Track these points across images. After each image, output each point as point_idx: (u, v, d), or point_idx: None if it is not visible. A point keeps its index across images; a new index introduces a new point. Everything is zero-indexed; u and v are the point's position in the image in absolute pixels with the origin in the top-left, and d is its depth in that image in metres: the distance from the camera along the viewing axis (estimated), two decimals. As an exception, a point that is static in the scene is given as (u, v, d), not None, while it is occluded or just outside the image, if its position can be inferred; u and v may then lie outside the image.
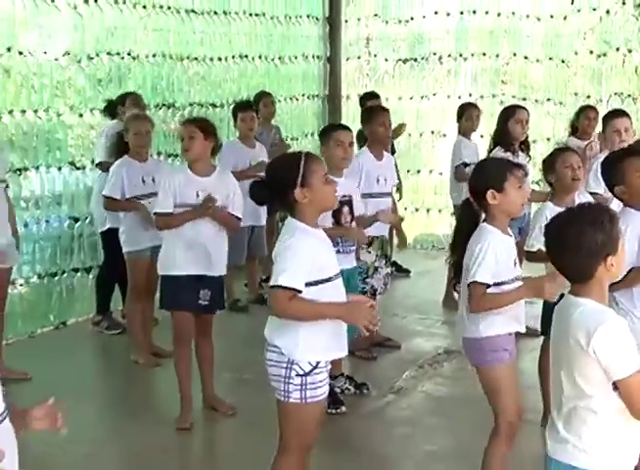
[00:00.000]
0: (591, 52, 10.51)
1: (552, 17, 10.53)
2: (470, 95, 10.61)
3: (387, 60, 11.30)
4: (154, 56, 8.65)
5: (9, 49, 7.35)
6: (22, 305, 7.59)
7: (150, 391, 6.61)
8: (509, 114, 7.35)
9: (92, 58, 8.01)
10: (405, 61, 11.17)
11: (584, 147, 7.19)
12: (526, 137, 7.40)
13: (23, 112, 7.49)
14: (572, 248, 3.03)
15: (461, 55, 10.95)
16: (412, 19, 11.04)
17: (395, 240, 9.76)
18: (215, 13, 9.37)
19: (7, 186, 6.27)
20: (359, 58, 11.53)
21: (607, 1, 10.30)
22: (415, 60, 11.13)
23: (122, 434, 5.63)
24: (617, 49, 10.33)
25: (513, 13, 10.63)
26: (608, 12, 10.30)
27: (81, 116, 7.90)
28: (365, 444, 5.51)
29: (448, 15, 10.86)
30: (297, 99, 10.68)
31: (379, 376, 6.53)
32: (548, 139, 10.31)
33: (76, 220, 7.97)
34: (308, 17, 10.74)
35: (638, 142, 6.51)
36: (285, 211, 3.94)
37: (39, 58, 7.60)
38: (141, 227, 6.42)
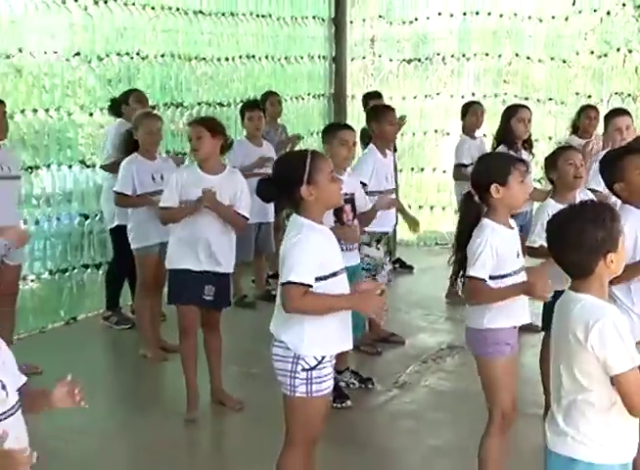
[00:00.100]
0: (592, 52, 10.51)
1: (553, 18, 10.53)
2: (473, 94, 10.60)
3: (391, 60, 11.29)
4: (162, 56, 8.63)
5: (20, 50, 7.35)
6: (34, 300, 7.60)
7: (158, 384, 6.61)
8: (511, 113, 7.35)
9: (102, 58, 8.00)
10: (409, 61, 11.16)
11: (584, 145, 7.17)
12: (529, 136, 7.39)
13: (35, 111, 7.49)
14: (573, 244, 3.04)
15: (464, 55, 10.95)
16: (416, 19, 11.03)
17: (397, 238, 9.79)
18: (223, 14, 9.35)
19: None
20: (364, 58, 11.52)
21: (607, 2, 10.29)
22: (419, 60, 11.13)
23: (131, 427, 5.63)
24: (618, 49, 10.33)
25: (515, 14, 10.64)
26: (608, 13, 10.30)
27: (91, 115, 7.90)
28: (370, 437, 5.51)
29: (451, 16, 10.85)
30: (302, 98, 10.66)
31: (383, 371, 6.52)
32: (550, 138, 10.30)
33: (86, 217, 7.97)
34: (314, 18, 10.71)
35: (637, 140, 6.49)
36: (291, 208, 3.94)
37: (50, 58, 7.60)
38: (149, 224, 6.39)
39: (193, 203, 5.46)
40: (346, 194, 5.42)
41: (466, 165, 7.80)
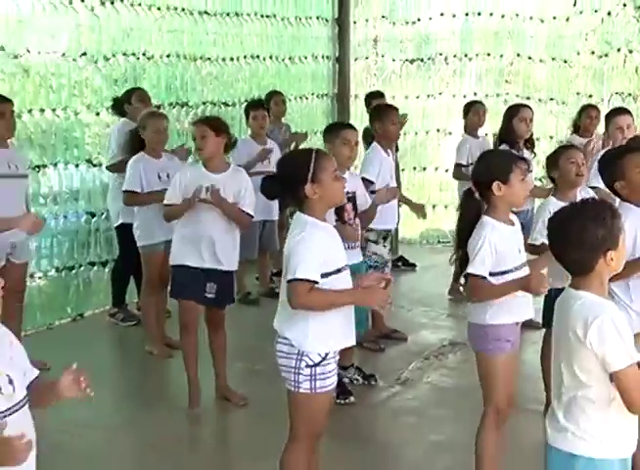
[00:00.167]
0: (593, 52, 10.49)
1: (555, 18, 10.51)
2: (475, 94, 10.58)
3: (394, 60, 11.27)
4: (168, 56, 8.63)
5: (28, 50, 7.36)
6: (41, 297, 7.61)
7: (164, 380, 6.61)
8: (513, 112, 7.35)
9: (108, 58, 8.00)
10: (412, 61, 11.14)
11: (585, 144, 7.18)
12: (531, 135, 7.39)
13: (42, 110, 7.50)
14: (574, 242, 3.05)
15: (466, 55, 10.93)
16: (419, 20, 11.02)
17: (400, 236, 9.79)
18: (228, 14, 9.34)
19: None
20: (367, 58, 11.51)
21: (608, 3, 10.28)
22: (421, 60, 11.11)
23: (137, 422, 5.63)
24: (619, 50, 10.32)
25: (517, 14, 10.61)
26: (609, 13, 10.29)
27: (98, 114, 7.90)
28: (372, 433, 5.52)
29: (454, 16, 10.83)
30: (306, 98, 10.66)
31: (386, 367, 6.52)
32: (551, 137, 10.30)
33: (93, 215, 7.98)
34: (318, 18, 10.71)
35: (636, 139, 6.48)
36: (294, 206, 3.94)
37: (57, 58, 7.60)
38: (155, 222, 6.38)
39: (188, 199, 5.47)
40: (348, 193, 5.42)
41: (464, 166, 7.85)
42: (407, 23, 11.07)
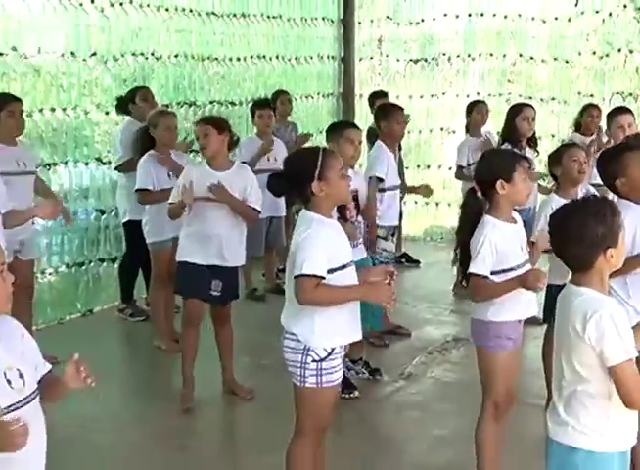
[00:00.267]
0: (594, 53, 10.48)
1: (557, 19, 10.50)
2: (478, 94, 10.58)
3: (398, 60, 11.27)
4: (176, 56, 8.64)
5: (39, 50, 7.36)
6: (52, 293, 7.63)
7: (172, 375, 6.59)
8: (516, 111, 7.34)
9: (118, 58, 8.01)
10: (416, 61, 11.15)
11: (589, 143, 7.18)
12: (534, 133, 7.38)
13: (53, 110, 7.51)
14: (575, 238, 3.05)
15: (469, 55, 10.93)
16: (422, 21, 11.02)
17: (404, 233, 9.78)
18: (235, 15, 9.34)
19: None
20: (372, 58, 11.51)
21: (609, 4, 10.26)
22: (425, 60, 11.12)
23: (145, 416, 5.64)
24: (619, 50, 10.30)
25: (519, 15, 10.61)
26: (610, 14, 10.27)
27: (107, 113, 7.90)
28: (377, 427, 5.52)
29: (457, 17, 10.84)
30: (312, 97, 10.66)
31: (390, 362, 6.51)
32: (553, 136, 10.29)
33: (102, 213, 7.99)
34: (323, 19, 10.70)
35: (637, 136, 6.47)
36: (301, 203, 3.94)
37: (68, 58, 7.60)
38: (164, 218, 6.36)
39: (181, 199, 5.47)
40: (352, 191, 5.42)
41: (464, 167, 7.88)
42: (411, 23, 11.07)
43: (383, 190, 6.43)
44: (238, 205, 5.51)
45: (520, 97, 10.32)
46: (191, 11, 8.74)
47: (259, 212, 5.69)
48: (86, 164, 7.81)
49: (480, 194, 4.22)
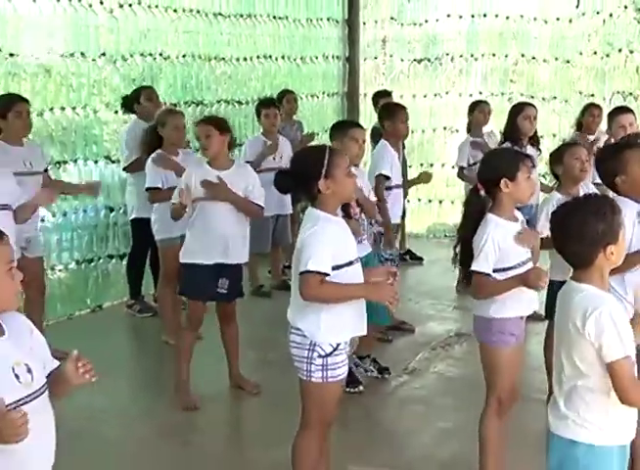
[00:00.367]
0: (595, 53, 10.48)
1: (558, 20, 10.50)
2: (480, 93, 10.58)
3: (402, 60, 11.26)
4: (184, 56, 8.64)
5: (49, 51, 7.37)
6: (61, 289, 7.64)
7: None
8: (518, 110, 7.33)
9: (126, 58, 8.01)
10: (420, 61, 11.13)
11: (591, 142, 7.17)
12: (536, 132, 7.37)
13: (63, 109, 7.51)
14: (575, 236, 3.06)
15: (472, 55, 10.92)
16: (426, 21, 11.01)
17: (407, 230, 9.78)
18: (241, 16, 9.34)
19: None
20: (376, 58, 11.50)
21: (610, 5, 10.26)
22: (429, 60, 11.10)
23: (153, 410, 5.63)
24: (620, 50, 10.31)
25: (521, 16, 10.61)
26: (611, 15, 10.28)
27: (116, 112, 7.89)
28: (381, 421, 5.51)
29: (460, 17, 10.83)
30: (317, 97, 10.66)
31: (394, 357, 6.51)
32: (554, 135, 10.28)
33: (111, 210, 7.99)
34: (328, 19, 10.70)
35: (637, 135, 6.46)
36: (307, 201, 3.93)
37: (77, 59, 7.61)
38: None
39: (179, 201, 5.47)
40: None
41: (465, 167, 7.88)
42: (415, 24, 11.06)
43: (389, 188, 6.43)
44: (239, 200, 5.48)
45: (521, 96, 10.32)
46: (198, 12, 8.74)
47: (262, 208, 5.66)
48: (95, 161, 7.82)
49: (483, 192, 4.21)
